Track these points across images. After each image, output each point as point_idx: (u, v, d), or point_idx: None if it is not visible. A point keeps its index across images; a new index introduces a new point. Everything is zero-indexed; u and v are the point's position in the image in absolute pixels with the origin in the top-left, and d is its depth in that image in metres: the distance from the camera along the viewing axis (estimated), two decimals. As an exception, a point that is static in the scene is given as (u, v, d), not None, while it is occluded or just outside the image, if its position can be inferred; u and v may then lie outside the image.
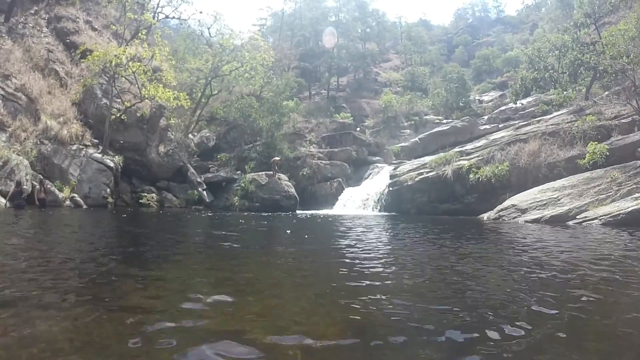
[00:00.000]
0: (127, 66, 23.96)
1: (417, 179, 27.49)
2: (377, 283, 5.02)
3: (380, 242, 10.17)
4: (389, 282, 5.22)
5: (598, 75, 30.31)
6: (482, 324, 3.40)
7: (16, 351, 2.70)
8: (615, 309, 4.21)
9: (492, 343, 3.01)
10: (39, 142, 20.91)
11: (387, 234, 12.76)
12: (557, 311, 3.86)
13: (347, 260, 6.65)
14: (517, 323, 3.44)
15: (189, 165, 29.18)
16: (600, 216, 16.46)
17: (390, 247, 9.41)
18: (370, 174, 35.19)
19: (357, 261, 6.54)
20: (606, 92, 28.43)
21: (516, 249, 9.18)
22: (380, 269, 5.99)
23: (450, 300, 4.35)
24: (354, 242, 9.57)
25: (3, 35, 24.17)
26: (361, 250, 7.98)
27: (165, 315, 3.47)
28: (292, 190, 28.75)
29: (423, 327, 3.35)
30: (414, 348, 3.02)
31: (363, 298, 4.19)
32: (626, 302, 4.49)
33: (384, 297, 4.30)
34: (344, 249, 8.41)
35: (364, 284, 4.91)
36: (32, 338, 2.90)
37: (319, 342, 2.97)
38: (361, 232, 12.46)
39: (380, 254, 7.84)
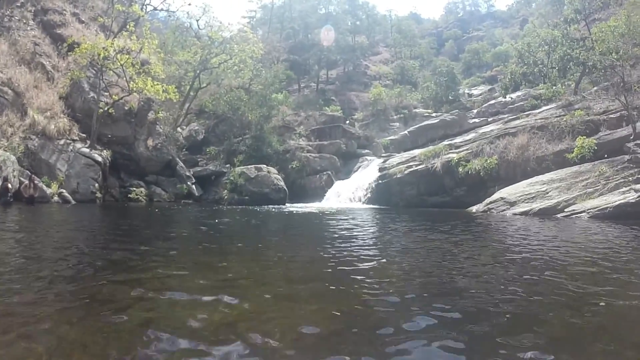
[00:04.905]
0: (115, 59, 23.66)
1: (406, 172, 27.56)
2: (367, 277, 5.04)
3: (369, 235, 10.19)
4: (379, 276, 5.24)
5: (587, 70, 30.52)
6: (471, 320, 3.43)
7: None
8: (602, 298, 4.25)
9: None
10: (26, 137, 20.63)
11: (376, 227, 12.79)
12: (544, 301, 3.90)
13: (338, 254, 6.67)
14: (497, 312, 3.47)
15: (177, 159, 29.01)
16: (588, 209, 16.65)
17: (379, 240, 9.42)
18: (360, 167, 35.19)
19: (348, 256, 6.55)
20: (595, 88, 28.66)
21: (505, 241, 9.24)
22: (370, 263, 6.01)
23: (440, 294, 4.37)
24: (346, 236, 9.58)
25: (-12, 28, 23.82)
26: (352, 244, 7.99)
27: (158, 312, 3.45)
28: (282, 183, 28.69)
29: (409, 318, 3.38)
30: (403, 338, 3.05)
31: (353, 291, 4.21)
32: (615, 292, 4.53)
33: (373, 291, 4.32)
34: (336, 245, 8.41)
35: (355, 277, 4.93)
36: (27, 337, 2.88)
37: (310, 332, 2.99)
38: (351, 225, 12.48)
39: (370, 247, 7.87)
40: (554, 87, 32.96)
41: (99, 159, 22.28)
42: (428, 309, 3.81)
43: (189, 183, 27.90)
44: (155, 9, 37.96)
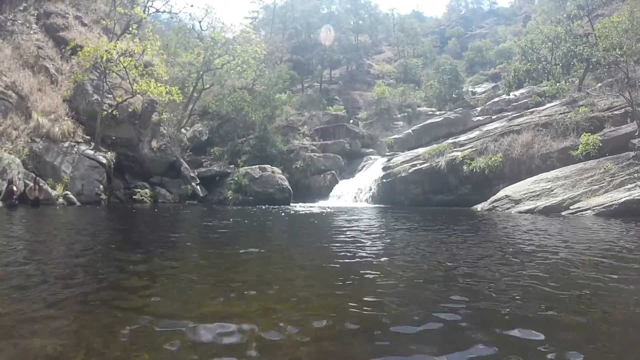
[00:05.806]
0: (118, 61, 23.73)
1: (410, 171, 27.56)
2: (375, 274, 5.04)
3: (375, 233, 10.16)
4: (387, 274, 5.23)
5: (591, 67, 30.39)
6: (472, 322, 3.41)
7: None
8: (608, 299, 4.22)
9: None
10: (30, 140, 20.70)
11: (381, 225, 12.76)
12: (552, 307, 3.89)
13: (344, 253, 6.65)
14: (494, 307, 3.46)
15: (182, 160, 29.06)
16: (594, 207, 16.58)
17: (384, 238, 9.40)
18: (364, 166, 35.22)
19: (354, 254, 6.54)
20: (599, 84, 28.54)
21: (511, 239, 9.20)
22: (376, 260, 6.00)
23: (446, 296, 4.35)
24: (351, 234, 9.56)
25: (-8, 32, 23.93)
26: (357, 243, 7.97)
27: (166, 314, 3.45)
28: (286, 183, 28.70)
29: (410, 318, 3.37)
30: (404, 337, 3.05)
31: (362, 288, 4.20)
32: (621, 297, 4.51)
33: (382, 288, 4.31)
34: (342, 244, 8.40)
35: (364, 275, 4.92)
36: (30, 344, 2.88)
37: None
38: (355, 224, 12.46)
39: (376, 245, 7.85)
40: (557, 84, 32.82)
41: (104, 160, 22.36)
42: (432, 306, 3.79)
43: (193, 184, 27.95)
44: (157, 10, 38.19)
